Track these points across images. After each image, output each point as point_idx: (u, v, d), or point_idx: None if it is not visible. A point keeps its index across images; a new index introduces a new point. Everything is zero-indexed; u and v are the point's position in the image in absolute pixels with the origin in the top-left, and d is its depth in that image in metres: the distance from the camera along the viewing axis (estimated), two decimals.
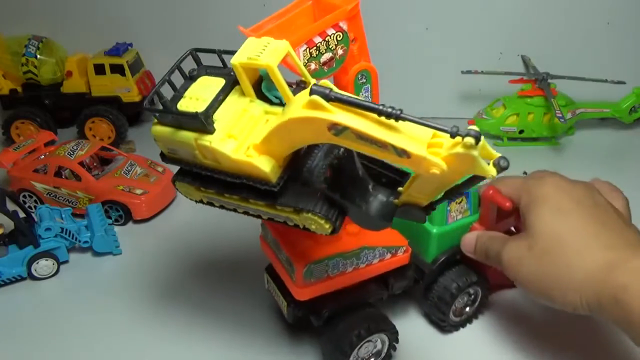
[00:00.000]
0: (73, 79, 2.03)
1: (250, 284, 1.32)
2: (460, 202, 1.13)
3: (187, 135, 0.79)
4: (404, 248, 1.10)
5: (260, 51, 0.75)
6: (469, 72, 2.09)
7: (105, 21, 2.17)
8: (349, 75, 0.93)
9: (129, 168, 1.65)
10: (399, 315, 1.24)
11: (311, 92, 0.67)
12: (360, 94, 0.96)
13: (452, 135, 0.61)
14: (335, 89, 0.68)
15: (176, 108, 0.79)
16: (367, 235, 1.03)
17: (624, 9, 2.13)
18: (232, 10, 2.12)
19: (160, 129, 0.82)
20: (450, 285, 1.15)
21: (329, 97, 0.66)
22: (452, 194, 0.75)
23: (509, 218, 1.14)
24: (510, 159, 0.64)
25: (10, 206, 1.37)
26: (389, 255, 1.08)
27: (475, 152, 0.60)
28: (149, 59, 2.16)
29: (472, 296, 1.21)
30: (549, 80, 2.04)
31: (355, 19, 0.90)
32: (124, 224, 1.59)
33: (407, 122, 0.64)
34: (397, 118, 0.64)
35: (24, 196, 1.63)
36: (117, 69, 2.01)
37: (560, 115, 1.93)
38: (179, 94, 0.82)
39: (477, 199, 1.15)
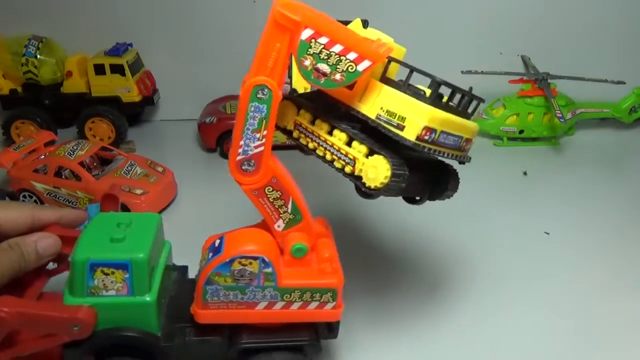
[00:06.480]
0: (73, 79, 2.03)
1: None
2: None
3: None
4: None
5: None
6: (469, 72, 2.09)
7: (105, 21, 2.17)
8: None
9: (129, 168, 1.65)
10: None
11: None
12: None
13: None
14: None
15: None
16: None
17: (624, 9, 2.13)
18: (228, 8, 2.12)
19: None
20: None
21: None
22: None
23: None
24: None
25: None
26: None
27: None
28: (148, 59, 2.16)
29: None
30: (549, 80, 2.04)
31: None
32: None
33: None
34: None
35: (24, 196, 1.63)
36: (117, 69, 2.01)
37: (560, 115, 1.93)
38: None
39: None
